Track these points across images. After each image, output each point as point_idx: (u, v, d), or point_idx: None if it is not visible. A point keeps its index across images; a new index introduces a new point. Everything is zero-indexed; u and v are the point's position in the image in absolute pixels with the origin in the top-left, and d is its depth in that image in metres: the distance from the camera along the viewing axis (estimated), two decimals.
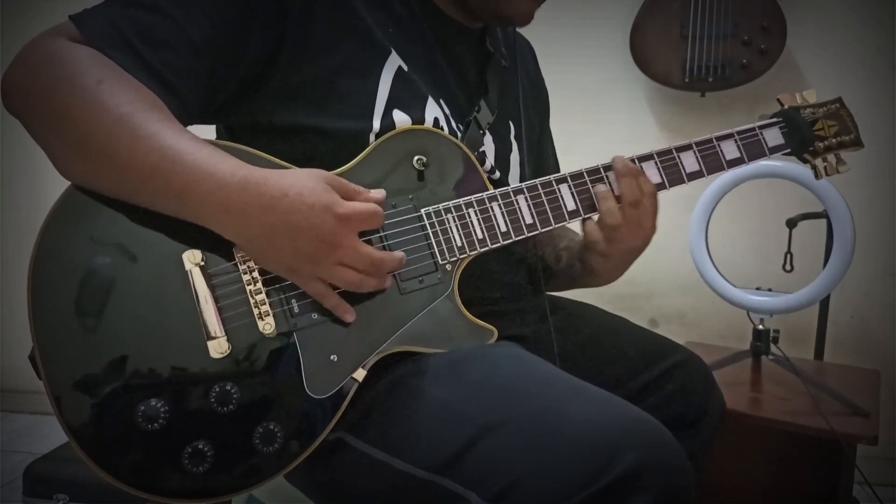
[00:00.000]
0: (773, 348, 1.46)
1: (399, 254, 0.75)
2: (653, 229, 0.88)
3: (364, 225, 0.72)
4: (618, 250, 0.87)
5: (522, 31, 1.01)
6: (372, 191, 0.75)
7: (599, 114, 2.01)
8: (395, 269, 0.75)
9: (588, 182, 0.86)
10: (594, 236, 0.86)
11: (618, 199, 0.85)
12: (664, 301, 2.04)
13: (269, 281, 0.72)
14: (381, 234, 0.77)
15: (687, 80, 1.82)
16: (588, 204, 0.86)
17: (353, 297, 0.74)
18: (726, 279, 1.49)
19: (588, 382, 0.72)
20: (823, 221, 1.45)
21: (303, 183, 0.68)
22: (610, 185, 0.86)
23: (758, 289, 1.49)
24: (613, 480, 0.59)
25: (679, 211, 1.72)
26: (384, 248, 0.77)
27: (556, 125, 1.13)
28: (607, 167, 0.87)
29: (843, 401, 1.30)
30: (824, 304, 1.64)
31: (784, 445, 1.43)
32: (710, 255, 1.50)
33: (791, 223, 1.50)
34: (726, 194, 1.47)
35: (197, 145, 0.67)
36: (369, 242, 0.75)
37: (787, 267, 1.53)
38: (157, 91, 0.70)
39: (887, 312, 1.90)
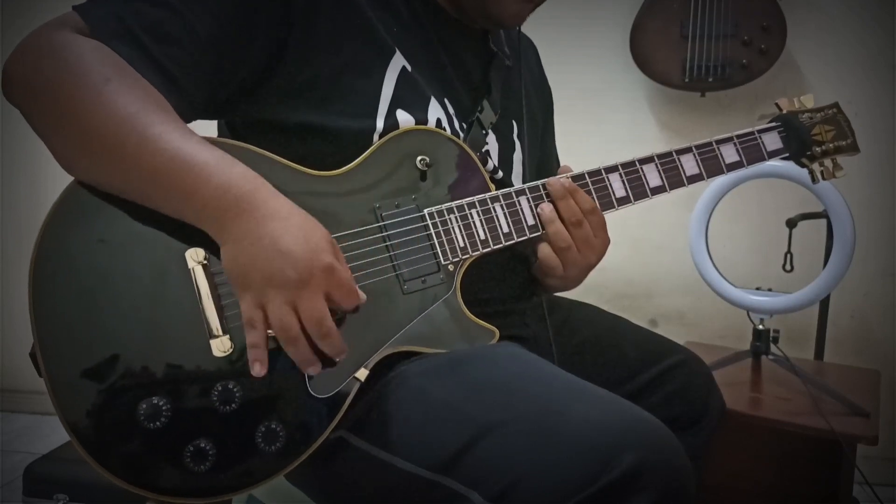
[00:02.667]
0: (773, 348, 1.46)
1: (344, 346, 0.68)
2: (604, 243, 0.87)
3: (339, 293, 0.67)
4: (575, 269, 0.86)
5: (523, 30, 1.01)
6: (358, 289, 0.70)
7: (599, 114, 2.01)
8: (334, 354, 0.68)
9: (590, 185, 0.86)
10: (552, 262, 0.85)
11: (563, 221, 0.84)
12: (664, 301, 2.04)
13: None
14: (384, 234, 0.77)
15: (687, 80, 1.82)
16: None
17: None
18: (726, 279, 1.49)
19: (588, 382, 0.72)
20: (823, 221, 1.45)
21: (310, 221, 0.67)
22: (610, 186, 0.86)
23: (758, 289, 1.50)
24: (614, 480, 0.59)
25: (679, 211, 1.72)
26: (386, 247, 0.77)
27: (556, 125, 1.13)
28: (608, 169, 0.87)
29: (843, 401, 1.30)
30: (824, 304, 1.64)
31: (784, 445, 1.43)
32: (710, 255, 1.50)
33: (791, 223, 1.50)
34: (726, 194, 1.47)
35: (204, 148, 0.67)
36: (368, 242, 0.75)
37: (787, 267, 1.53)
38: (162, 86, 0.70)
39: (887, 312, 1.90)
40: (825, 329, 1.65)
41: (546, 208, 0.83)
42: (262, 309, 0.66)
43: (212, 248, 0.70)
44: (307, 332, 0.66)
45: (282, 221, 0.66)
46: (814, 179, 0.98)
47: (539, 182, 0.85)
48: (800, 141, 0.94)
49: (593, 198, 0.86)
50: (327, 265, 0.65)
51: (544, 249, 0.85)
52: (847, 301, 1.87)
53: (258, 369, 0.67)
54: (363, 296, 0.70)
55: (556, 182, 0.84)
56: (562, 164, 1.12)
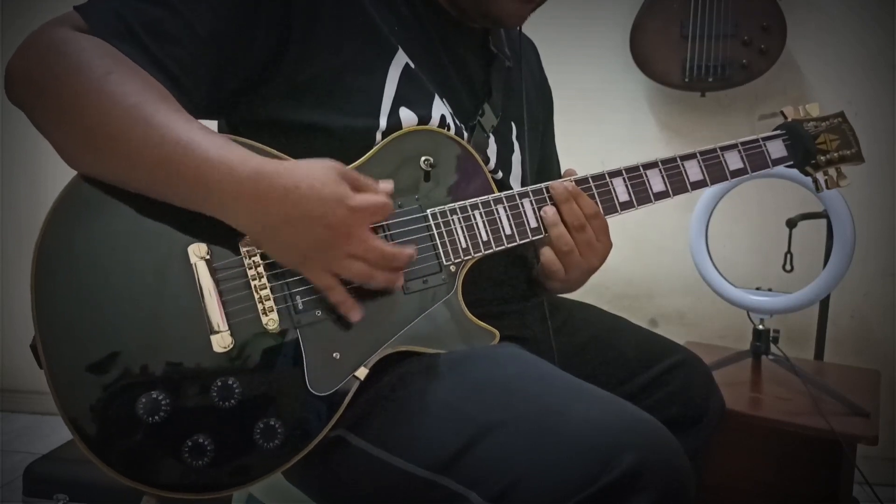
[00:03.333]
0: (773, 348, 1.46)
1: (409, 249, 0.73)
2: (607, 247, 0.87)
3: (375, 217, 0.71)
4: (577, 272, 0.86)
5: (523, 30, 1.01)
6: (381, 182, 0.74)
7: (599, 114, 2.01)
8: (404, 265, 0.73)
9: (594, 189, 0.86)
10: (554, 266, 0.85)
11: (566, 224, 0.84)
12: (664, 301, 2.04)
13: (274, 276, 0.72)
14: (387, 233, 0.77)
15: (687, 80, 1.82)
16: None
17: (356, 296, 0.74)
18: (726, 279, 1.49)
19: (588, 382, 0.72)
20: (823, 221, 1.45)
21: (315, 174, 0.68)
22: (614, 191, 0.86)
23: (758, 289, 1.50)
24: (614, 480, 0.59)
25: (679, 211, 1.72)
26: None
27: (556, 125, 1.13)
28: (612, 173, 0.87)
29: (843, 401, 1.30)
30: (824, 304, 1.64)
31: (784, 445, 1.43)
32: (710, 255, 1.50)
33: (791, 223, 1.50)
34: (726, 194, 1.47)
35: (208, 135, 0.67)
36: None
37: (787, 267, 1.53)
38: (162, 84, 0.70)
39: (887, 312, 1.90)
40: (825, 329, 1.65)
41: (549, 211, 0.83)
42: (328, 272, 0.70)
43: (214, 243, 0.70)
44: (375, 265, 0.70)
45: (294, 193, 0.66)
46: (818, 188, 0.99)
47: (542, 185, 0.85)
48: (804, 149, 0.95)
49: (597, 202, 0.86)
50: (350, 207, 0.68)
51: (546, 253, 0.85)
52: (847, 301, 1.87)
53: (357, 314, 0.73)
54: (387, 200, 0.71)
55: (560, 185, 0.84)
56: (562, 164, 1.13)
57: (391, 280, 0.73)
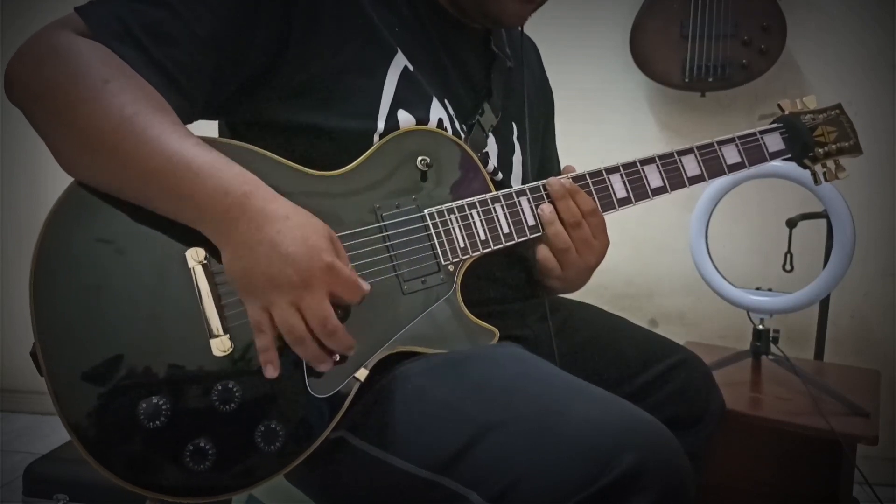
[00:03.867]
0: (773, 348, 1.46)
1: (351, 340, 0.69)
2: (604, 245, 0.87)
3: (343, 289, 0.67)
4: (574, 271, 0.86)
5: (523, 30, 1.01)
6: (360, 280, 0.70)
7: (599, 114, 2.01)
8: (342, 349, 0.69)
9: (591, 186, 0.86)
10: (549, 264, 0.85)
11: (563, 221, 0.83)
12: (664, 301, 2.04)
13: None
14: (385, 234, 0.77)
15: (687, 80, 1.82)
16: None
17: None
18: (726, 279, 1.49)
19: (588, 382, 0.72)
20: (823, 221, 1.45)
21: (309, 220, 0.68)
22: (611, 187, 0.86)
23: (758, 289, 1.50)
24: (614, 480, 0.60)
25: (679, 211, 1.72)
26: (387, 247, 0.77)
27: (556, 125, 1.13)
28: (610, 169, 0.87)
29: (843, 401, 1.30)
30: (824, 304, 1.64)
31: (784, 445, 1.43)
32: (710, 255, 1.50)
33: (791, 223, 1.50)
34: (726, 194, 1.47)
35: (201, 150, 0.67)
36: (368, 243, 0.75)
37: (787, 267, 1.53)
38: (162, 86, 0.70)
39: (887, 312, 1.90)
40: (825, 329, 1.65)
41: (546, 209, 0.83)
42: (267, 312, 0.66)
43: (212, 248, 0.70)
44: (313, 331, 0.66)
45: (280, 223, 0.66)
46: (816, 181, 0.98)
47: (539, 182, 0.85)
48: (802, 142, 0.94)
49: (594, 199, 0.85)
50: (327, 264, 0.66)
51: (543, 251, 0.85)
52: (847, 301, 1.87)
53: (271, 371, 0.68)
54: (366, 286, 0.70)
55: (557, 182, 0.84)
56: (562, 164, 1.12)
57: (316, 355, 0.68)
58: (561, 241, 0.83)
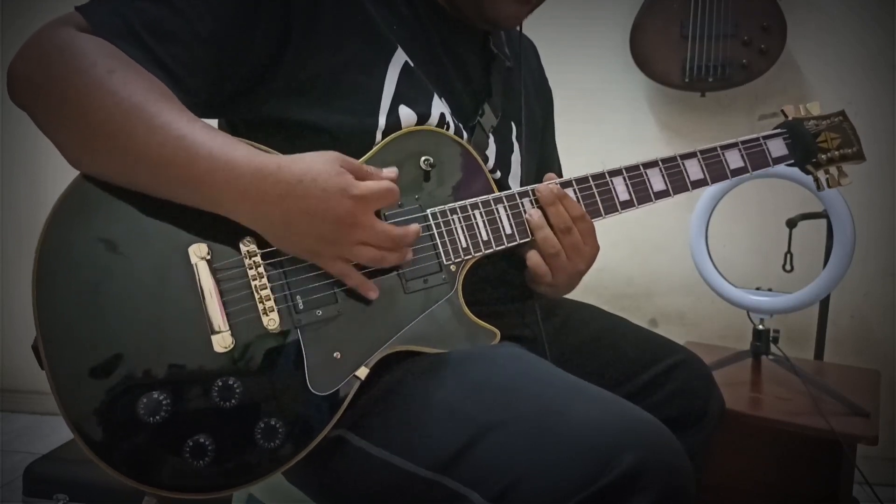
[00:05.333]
0: (773, 348, 1.46)
1: (415, 227, 0.75)
2: (594, 250, 0.86)
3: (380, 203, 0.71)
4: (564, 276, 0.86)
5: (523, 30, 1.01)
6: (384, 169, 0.75)
7: (599, 114, 2.01)
8: (413, 242, 0.75)
9: (594, 188, 0.86)
10: (540, 270, 0.84)
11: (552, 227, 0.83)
12: (664, 301, 2.04)
13: (275, 277, 0.73)
14: None
15: (687, 80, 1.82)
16: (593, 209, 0.86)
17: (356, 296, 0.75)
18: (726, 279, 1.49)
19: (588, 382, 0.72)
20: (823, 221, 1.45)
21: (317, 167, 0.68)
22: (614, 190, 0.86)
23: (758, 289, 1.50)
24: (614, 480, 0.60)
25: (679, 211, 1.72)
26: None
27: (556, 125, 1.13)
28: (612, 172, 0.87)
29: (843, 401, 1.30)
30: (824, 304, 1.64)
31: (784, 445, 1.43)
32: (710, 255, 1.50)
33: (791, 223, 1.50)
34: (726, 194, 1.47)
35: (211, 134, 0.68)
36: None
37: (787, 267, 1.53)
38: (164, 83, 0.70)
39: (887, 312, 1.90)
40: (825, 329, 1.65)
41: (535, 214, 0.83)
42: (341, 259, 0.72)
43: (215, 243, 0.70)
44: (386, 248, 0.72)
45: (298, 188, 0.67)
46: (819, 187, 0.98)
47: (529, 188, 0.84)
48: (805, 148, 0.94)
49: (597, 201, 0.85)
50: (354, 196, 0.68)
51: (533, 257, 0.84)
52: (847, 301, 1.87)
53: (374, 293, 0.75)
54: (392, 185, 0.72)
55: (545, 188, 0.83)
56: (562, 164, 1.13)
57: (401, 258, 0.75)
58: (550, 246, 0.83)
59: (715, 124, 1.94)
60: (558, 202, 0.83)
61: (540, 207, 0.83)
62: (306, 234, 0.69)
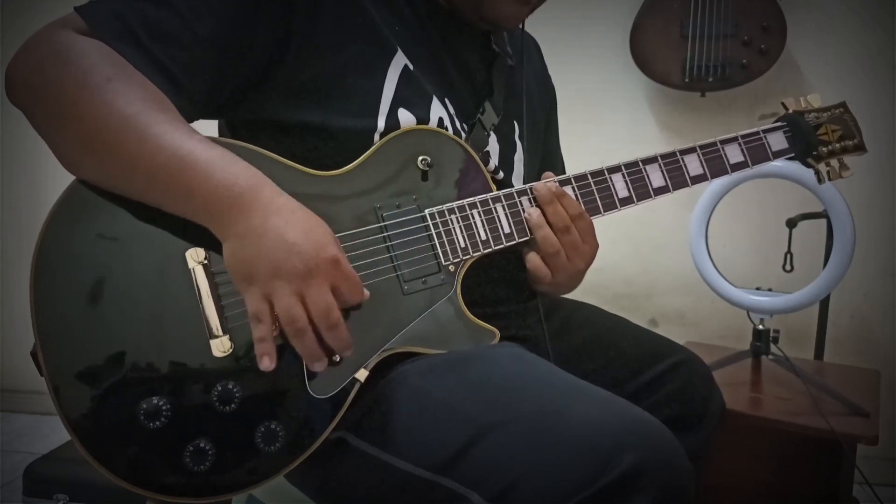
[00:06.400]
0: (773, 348, 1.46)
1: (350, 339, 0.68)
2: (593, 248, 0.86)
3: (345, 286, 0.67)
4: (564, 275, 0.85)
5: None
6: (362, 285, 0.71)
7: (599, 114, 2.01)
8: (341, 348, 0.68)
9: (593, 185, 0.86)
10: (541, 271, 0.84)
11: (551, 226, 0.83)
12: (664, 301, 2.04)
13: None
14: (385, 234, 0.77)
15: (687, 80, 1.82)
16: (592, 207, 0.86)
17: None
18: (726, 279, 1.49)
19: (588, 382, 0.72)
20: (823, 221, 1.45)
21: (314, 217, 0.68)
22: (613, 186, 0.86)
23: (758, 289, 1.50)
24: (614, 480, 0.59)
25: (679, 210, 1.72)
26: (387, 248, 0.77)
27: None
28: (611, 169, 0.87)
29: (842, 401, 1.30)
30: (824, 304, 1.64)
31: (784, 445, 1.43)
32: (710, 255, 1.50)
33: (791, 223, 1.50)
34: (727, 194, 1.47)
35: (206, 146, 0.67)
36: (368, 243, 0.75)
37: (787, 267, 1.53)
38: (163, 85, 0.70)
39: (887, 312, 1.90)
40: (825, 329, 1.65)
41: (534, 213, 0.83)
42: (268, 301, 0.66)
43: (212, 248, 0.70)
44: (315, 323, 0.66)
45: (286, 215, 0.66)
46: (820, 180, 0.97)
47: (527, 186, 0.84)
48: (805, 141, 0.93)
49: (595, 199, 0.85)
50: (333, 257, 0.66)
51: (533, 258, 0.84)
52: (847, 301, 1.87)
53: (267, 363, 0.66)
54: (367, 292, 0.70)
55: (543, 187, 0.83)
56: (566, 163, 1.13)
57: (314, 352, 0.67)
58: (550, 245, 0.82)
59: (715, 124, 1.94)
60: (556, 200, 0.83)
61: (538, 206, 0.83)
62: (262, 254, 0.64)
